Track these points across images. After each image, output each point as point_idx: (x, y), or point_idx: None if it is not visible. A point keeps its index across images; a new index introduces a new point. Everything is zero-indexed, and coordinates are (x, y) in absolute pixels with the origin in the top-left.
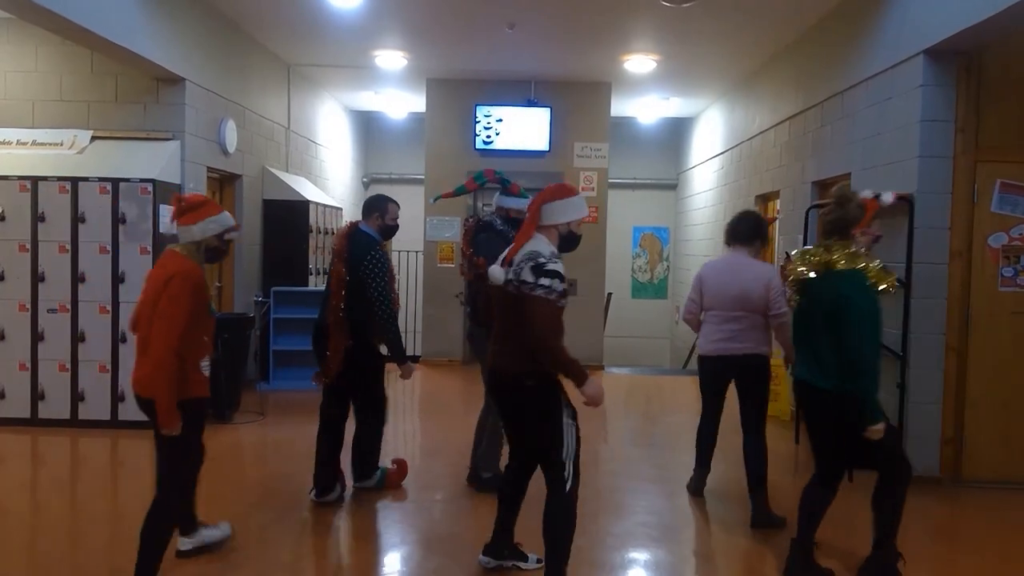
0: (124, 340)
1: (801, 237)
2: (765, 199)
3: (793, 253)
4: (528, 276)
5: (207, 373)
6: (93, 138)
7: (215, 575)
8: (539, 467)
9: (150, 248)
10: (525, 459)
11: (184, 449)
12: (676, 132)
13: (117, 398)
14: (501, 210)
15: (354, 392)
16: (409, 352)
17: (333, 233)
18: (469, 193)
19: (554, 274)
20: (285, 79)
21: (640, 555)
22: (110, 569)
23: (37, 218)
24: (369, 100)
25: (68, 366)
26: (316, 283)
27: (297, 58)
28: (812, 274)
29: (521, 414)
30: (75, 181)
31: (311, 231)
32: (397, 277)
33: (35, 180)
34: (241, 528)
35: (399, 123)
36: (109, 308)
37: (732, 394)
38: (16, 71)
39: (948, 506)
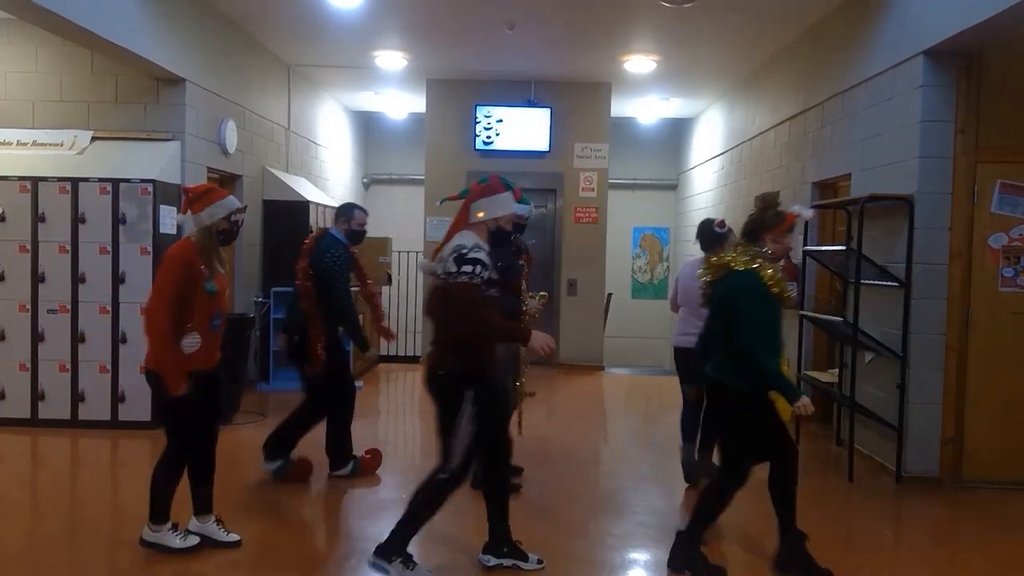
0: (124, 340)
1: (801, 237)
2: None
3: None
4: (452, 267)
5: (188, 350)
6: (93, 138)
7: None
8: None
9: (150, 248)
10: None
11: (175, 421)
12: (676, 132)
13: (117, 398)
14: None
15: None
16: (409, 352)
17: None
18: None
19: (475, 262)
20: (285, 79)
21: (640, 555)
22: (110, 568)
23: (37, 218)
24: (369, 100)
25: (68, 366)
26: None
27: (297, 58)
28: (707, 278)
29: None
30: (75, 181)
31: (311, 232)
32: (396, 277)
33: (35, 180)
34: (241, 529)
35: (399, 123)
36: (109, 308)
37: None
38: (16, 71)
39: (948, 506)
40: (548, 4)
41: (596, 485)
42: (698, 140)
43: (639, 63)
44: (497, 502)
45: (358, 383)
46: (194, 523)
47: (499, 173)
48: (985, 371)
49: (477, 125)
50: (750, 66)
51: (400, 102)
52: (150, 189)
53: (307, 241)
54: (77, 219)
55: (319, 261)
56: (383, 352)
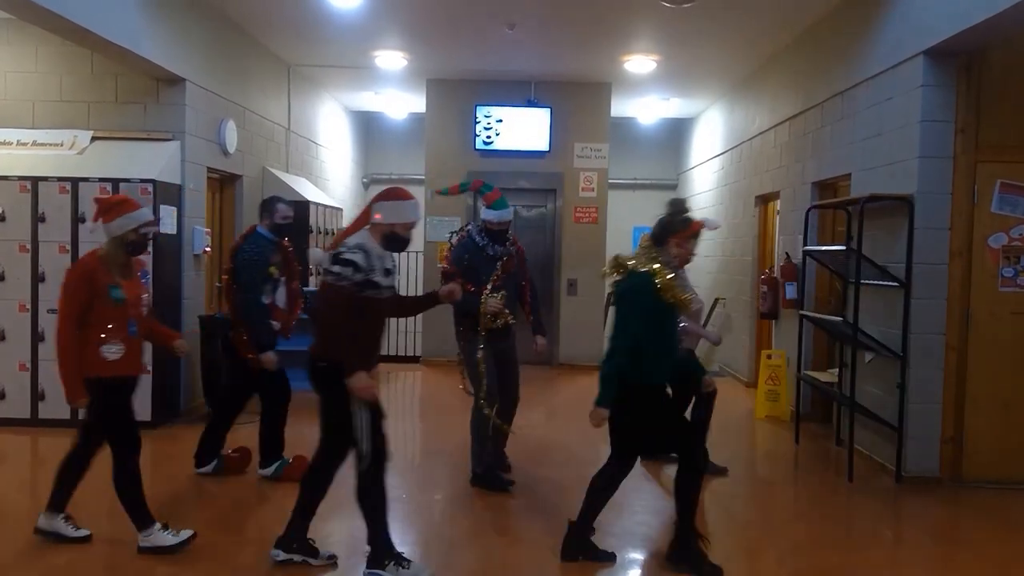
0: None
1: (801, 237)
2: (765, 200)
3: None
4: (326, 264)
5: (111, 357)
6: (93, 138)
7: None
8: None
9: (151, 248)
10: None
11: (106, 424)
12: (676, 132)
13: None
14: (485, 222)
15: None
16: (409, 352)
17: (333, 234)
18: (451, 195)
19: (347, 263)
20: (285, 79)
21: (640, 555)
22: (109, 568)
23: (37, 218)
24: (369, 100)
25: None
26: (317, 283)
27: (297, 58)
28: (609, 281)
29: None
30: (75, 181)
31: (311, 232)
32: (396, 277)
33: (35, 180)
34: (241, 529)
35: (399, 123)
36: None
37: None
38: (16, 71)
39: (948, 506)
40: (548, 4)
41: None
42: (698, 140)
43: (639, 63)
44: (308, 496)
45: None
46: (42, 520)
47: (483, 181)
48: (985, 371)
49: (477, 125)
50: (750, 66)
51: (400, 102)
52: (150, 189)
53: (237, 239)
54: (77, 219)
55: (236, 258)
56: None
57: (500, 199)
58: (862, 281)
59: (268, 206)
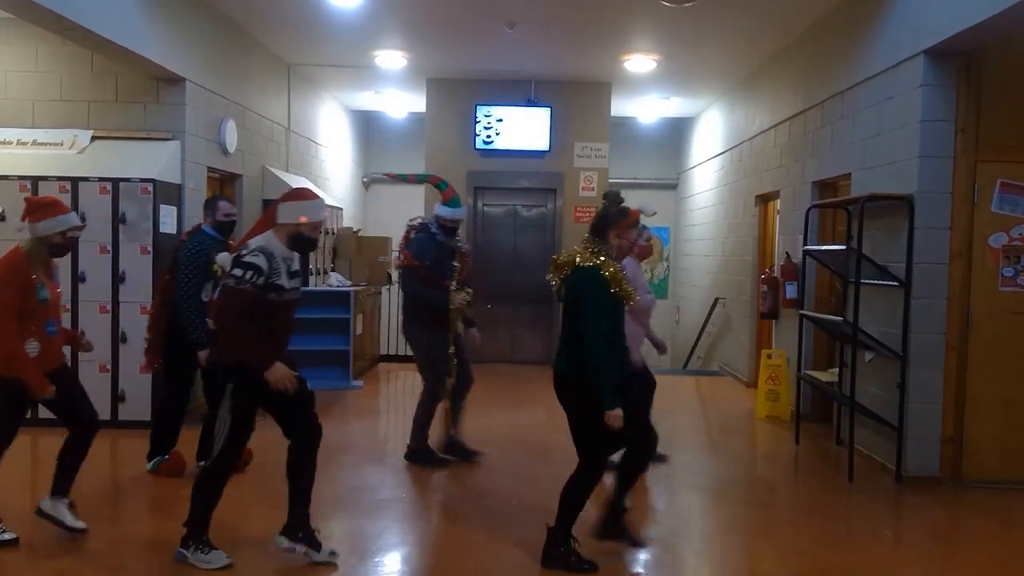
0: (124, 340)
1: (801, 237)
2: (765, 199)
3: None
4: (228, 266)
5: (32, 355)
6: (93, 138)
7: None
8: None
9: (150, 248)
10: (288, 436)
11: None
12: (676, 132)
13: (117, 398)
14: (438, 218)
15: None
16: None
17: (333, 233)
18: (409, 182)
19: (247, 265)
20: (285, 79)
21: (640, 555)
22: (108, 568)
23: None
24: (369, 100)
25: (68, 366)
26: (316, 283)
27: (297, 58)
28: (554, 281)
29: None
30: (75, 181)
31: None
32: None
33: (35, 180)
34: (242, 530)
35: (399, 123)
36: (109, 308)
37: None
38: (16, 71)
39: (948, 506)
40: (548, 4)
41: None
42: (698, 140)
43: (639, 62)
44: (298, 485)
45: (357, 382)
46: (47, 503)
47: (441, 178)
48: (985, 371)
49: (477, 124)
50: (750, 65)
51: (400, 101)
52: (150, 189)
53: (181, 236)
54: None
55: (179, 254)
56: (384, 351)
57: (455, 197)
58: (862, 281)
59: (210, 204)
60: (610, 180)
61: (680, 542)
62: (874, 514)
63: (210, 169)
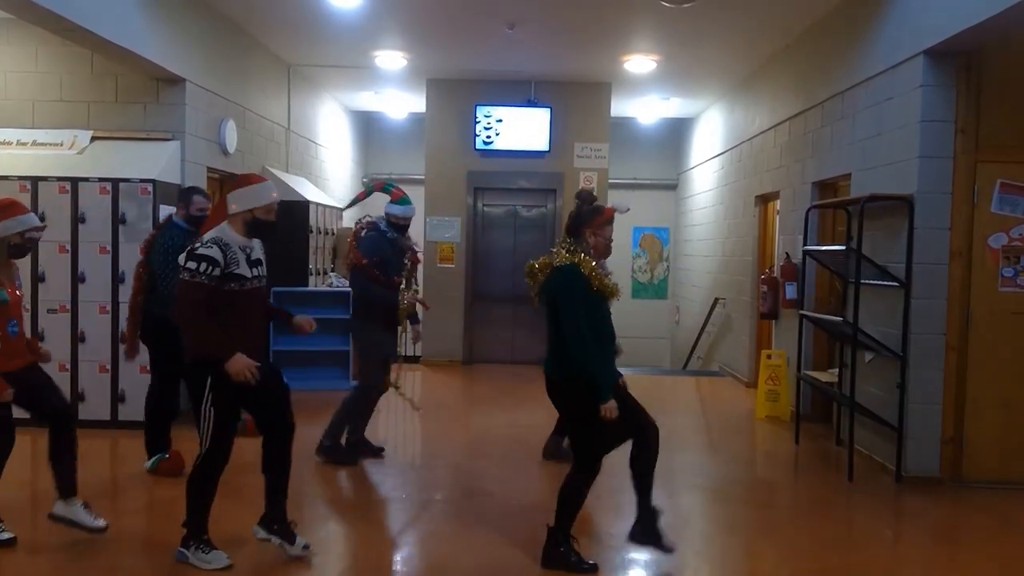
0: (124, 340)
1: (801, 237)
2: (765, 199)
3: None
4: (182, 260)
5: None
6: (93, 138)
7: None
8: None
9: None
10: (260, 430)
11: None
12: (676, 132)
13: (117, 398)
14: (388, 216)
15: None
16: (409, 352)
17: (333, 233)
18: (359, 202)
19: (201, 258)
20: (285, 79)
21: (640, 555)
22: (108, 567)
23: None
24: (369, 100)
25: (68, 366)
26: (316, 283)
27: (297, 58)
28: (530, 284)
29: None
30: (75, 181)
31: (311, 231)
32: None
33: (35, 180)
34: (242, 530)
35: (399, 123)
36: (109, 308)
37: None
38: (16, 71)
39: (948, 506)
40: (548, 4)
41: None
42: (698, 140)
43: (639, 63)
44: (273, 479)
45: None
46: (59, 506)
47: (386, 181)
48: (985, 371)
49: (477, 125)
50: (750, 66)
51: (400, 102)
52: (150, 189)
53: (153, 230)
54: (77, 219)
55: (152, 250)
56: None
57: (404, 196)
58: (862, 281)
59: (185, 196)
60: (610, 180)
61: (680, 542)
62: (874, 514)
63: (210, 169)
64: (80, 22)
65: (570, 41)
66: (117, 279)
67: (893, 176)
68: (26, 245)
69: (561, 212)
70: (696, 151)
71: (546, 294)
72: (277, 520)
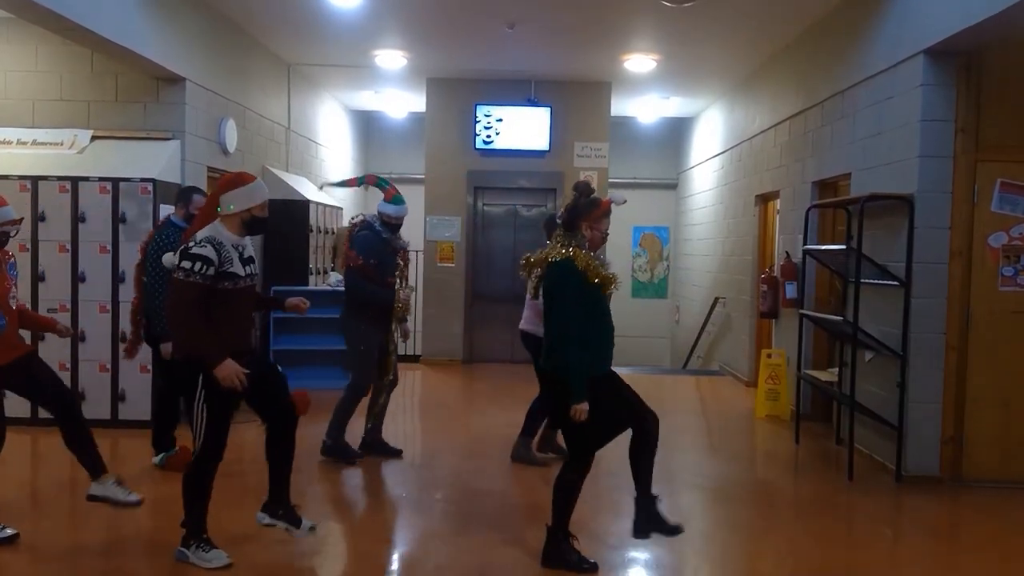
0: (124, 339)
1: (801, 236)
2: (765, 199)
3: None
4: (176, 260)
5: None
6: (93, 138)
7: None
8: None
9: None
10: (263, 419)
11: None
12: (676, 132)
13: (117, 397)
14: (381, 215)
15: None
16: (410, 352)
17: (333, 233)
18: (348, 187)
19: (196, 257)
20: (285, 79)
21: (640, 555)
22: (108, 567)
23: (37, 218)
24: (369, 100)
25: (68, 365)
26: (316, 283)
27: (297, 58)
28: (525, 276)
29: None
30: (75, 181)
31: (311, 231)
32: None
33: (35, 180)
34: (242, 530)
35: (399, 123)
36: (109, 308)
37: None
38: (16, 70)
39: (948, 506)
40: (548, 4)
41: (596, 484)
42: (698, 139)
43: (639, 62)
44: (276, 466)
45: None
46: (94, 486)
47: (378, 176)
48: (985, 370)
49: (477, 124)
50: (750, 65)
51: (400, 101)
52: (150, 188)
53: (150, 231)
54: (77, 218)
55: (149, 247)
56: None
57: (398, 195)
58: (862, 280)
59: (184, 196)
60: (610, 180)
61: (681, 541)
62: (874, 513)
63: (210, 169)
64: (80, 21)
65: (570, 41)
66: (117, 278)
67: (893, 175)
68: (1, 238)
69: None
70: (696, 150)
71: (544, 289)
72: (281, 505)
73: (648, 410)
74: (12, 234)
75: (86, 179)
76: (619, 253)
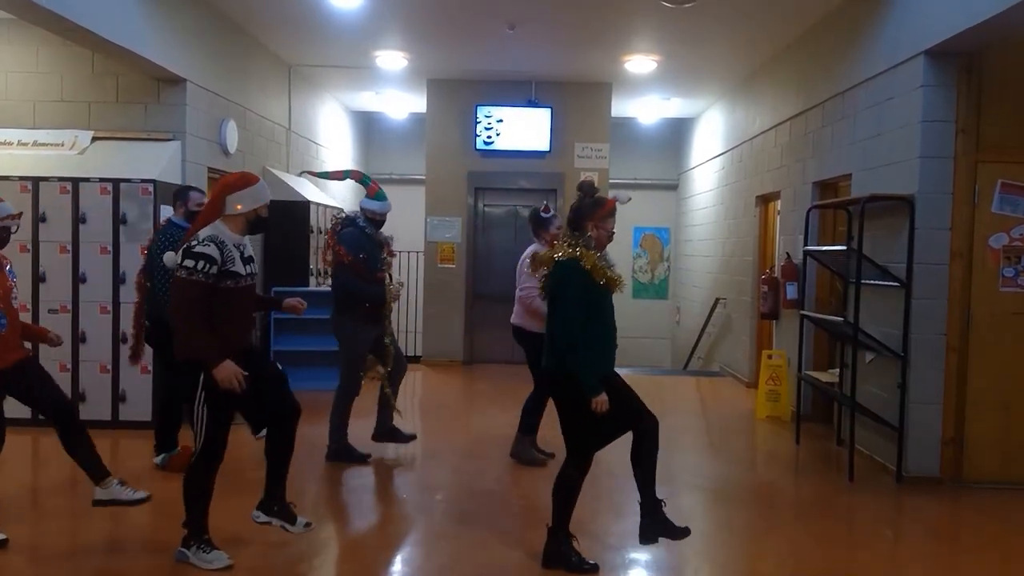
0: (125, 340)
1: (802, 237)
2: (766, 200)
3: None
4: (179, 259)
5: None
6: (94, 138)
7: None
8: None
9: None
10: (271, 419)
11: None
12: (677, 132)
13: (118, 398)
14: (365, 211)
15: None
16: (410, 352)
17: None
18: (333, 179)
19: (199, 256)
20: (286, 79)
21: (640, 555)
22: (108, 568)
23: (38, 218)
24: (370, 100)
25: (69, 366)
26: (317, 283)
27: (298, 58)
28: (543, 271)
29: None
30: (76, 182)
31: (312, 232)
32: (397, 277)
33: (36, 181)
34: (242, 530)
35: (400, 123)
36: (110, 308)
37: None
38: (17, 71)
39: (948, 506)
40: (548, 4)
41: (596, 485)
42: (699, 140)
43: (640, 63)
44: (274, 462)
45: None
46: (99, 491)
47: (363, 172)
48: (986, 371)
49: (478, 125)
50: (751, 66)
51: (401, 102)
52: (151, 189)
53: (151, 234)
54: (78, 219)
55: (151, 249)
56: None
57: (381, 191)
58: (863, 281)
59: (181, 195)
60: (611, 180)
61: (681, 542)
62: (874, 514)
63: (211, 170)
64: (80, 22)
65: (570, 41)
66: (118, 279)
67: (894, 176)
68: (2, 235)
69: (562, 212)
70: (697, 151)
71: (550, 288)
72: (277, 502)
73: (648, 413)
74: (13, 230)
75: (87, 180)
76: (620, 254)
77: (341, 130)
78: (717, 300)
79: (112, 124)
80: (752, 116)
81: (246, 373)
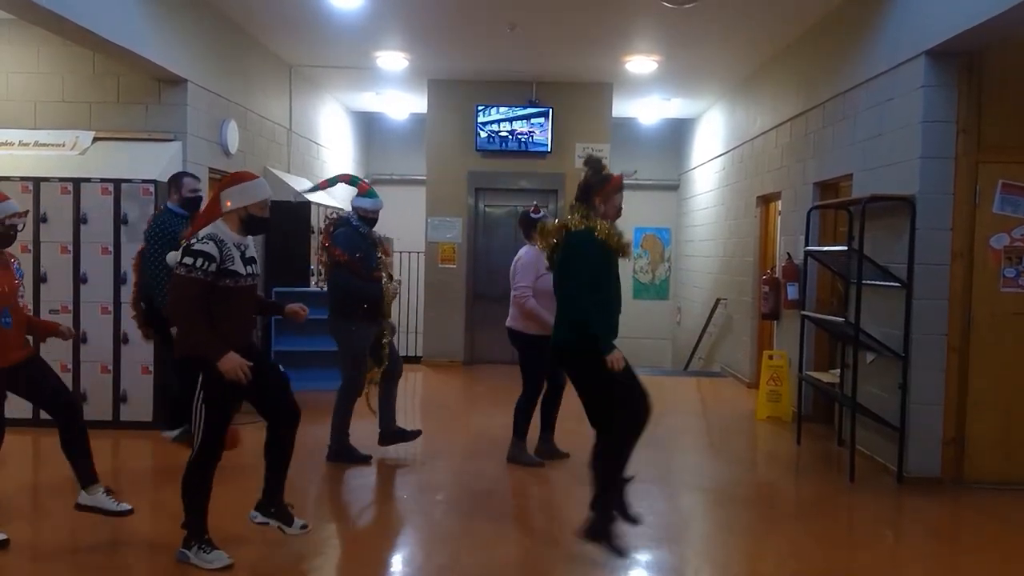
0: (126, 341)
1: (803, 238)
2: (767, 200)
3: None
4: (178, 257)
5: None
6: (95, 139)
7: None
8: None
9: None
10: (264, 418)
11: None
12: (677, 133)
13: (119, 398)
14: (358, 210)
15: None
16: (411, 352)
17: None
18: (321, 190)
19: (197, 253)
20: (287, 80)
21: (640, 555)
22: (108, 568)
23: (39, 219)
24: (370, 101)
25: (70, 367)
26: (317, 284)
27: (299, 59)
28: (551, 241)
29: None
30: (77, 182)
31: (312, 232)
32: (397, 277)
33: (37, 181)
34: (242, 531)
35: (400, 124)
36: (111, 309)
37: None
38: (18, 72)
39: (949, 507)
40: (549, 4)
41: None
42: (699, 140)
43: (640, 63)
44: (273, 464)
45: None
46: (84, 496)
47: (352, 175)
48: (986, 372)
49: (478, 125)
50: (751, 66)
51: (401, 102)
52: (152, 189)
53: (148, 221)
54: (79, 219)
55: (147, 234)
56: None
57: (371, 189)
58: (863, 281)
59: (175, 181)
60: None
61: (682, 543)
62: (875, 515)
63: (212, 170)
64: (81, 23)
65: (571, 41)
66: (119, 280)
67: (894, 177)
68: (7, 233)
69: (563, 212)
70: (697, 152)
71: (560, 258)
72: (274, 503)
73: (641, 391)
74: (19, 228)
75: (88, 180)
76: None
77: (342, 130)
78: (718, 300)
79: (113, 124)
80: (753, 116)
81: (251, 363)
